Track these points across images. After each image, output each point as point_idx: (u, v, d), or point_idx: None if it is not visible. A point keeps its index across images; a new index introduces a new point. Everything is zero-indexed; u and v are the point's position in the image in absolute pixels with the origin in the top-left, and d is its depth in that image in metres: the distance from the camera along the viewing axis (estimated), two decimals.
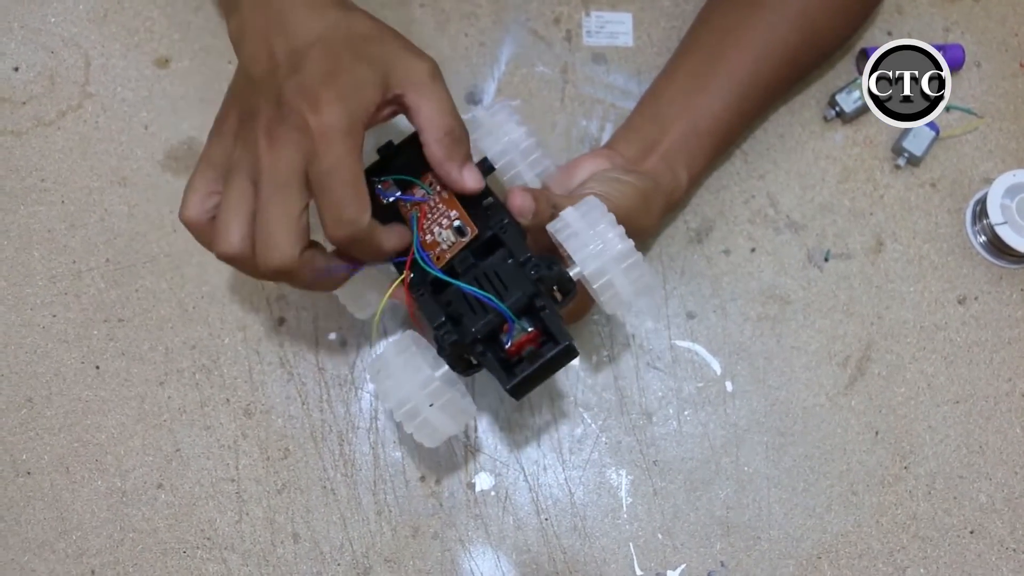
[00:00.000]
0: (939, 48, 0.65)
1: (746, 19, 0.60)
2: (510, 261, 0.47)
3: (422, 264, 0.48)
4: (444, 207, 0.50)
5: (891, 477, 0.60)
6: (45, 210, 0.63)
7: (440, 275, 0.47)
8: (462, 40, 0.68)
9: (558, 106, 0.66)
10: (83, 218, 0.63)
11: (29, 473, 0.59)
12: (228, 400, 0.60)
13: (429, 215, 0.50)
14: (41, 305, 0.62)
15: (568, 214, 0.47)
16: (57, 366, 0.61)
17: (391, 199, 0.51)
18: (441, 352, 0.47)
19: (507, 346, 0.46)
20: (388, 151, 0.54)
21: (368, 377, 0.47)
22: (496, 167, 0.53)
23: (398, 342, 0.48)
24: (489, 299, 0.46)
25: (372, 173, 0.53)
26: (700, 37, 0.63)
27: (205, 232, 0.48)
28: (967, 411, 0.61)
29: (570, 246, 0.46)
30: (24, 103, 0.65)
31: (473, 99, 0.66)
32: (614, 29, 0.68)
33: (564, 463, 0.60)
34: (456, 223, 0.49)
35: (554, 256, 0.48)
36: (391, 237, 0.48)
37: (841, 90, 0.65)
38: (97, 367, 0.61)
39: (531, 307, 0.46)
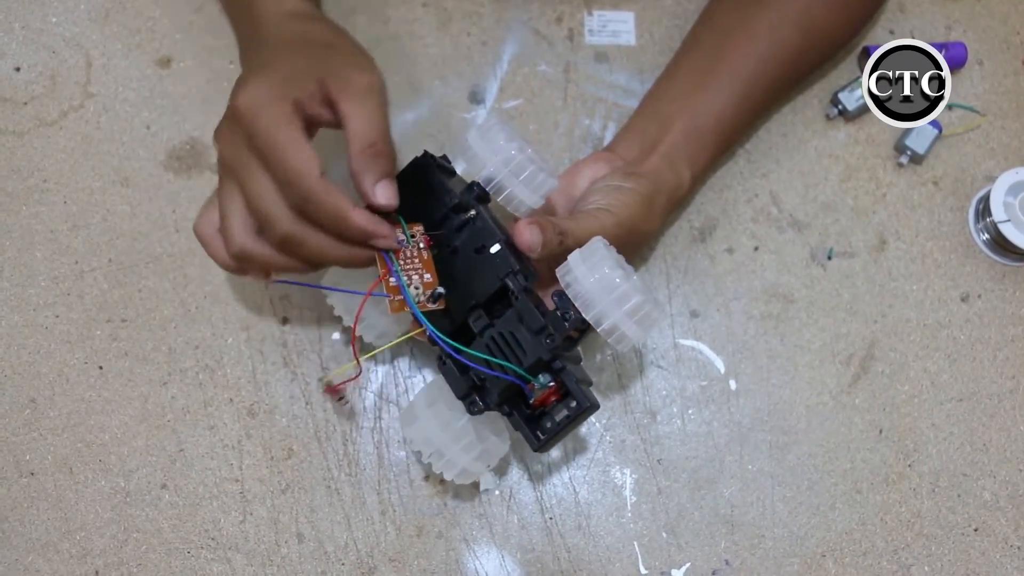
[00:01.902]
0: (941, 46, 0.65)
1: (748, 19, 0.60)
2: (525, 325, 0.48)
3: (438, 342, 0.48)
4: (419, 264, 0.49)
5: (895, 475, 0.60)
6: (47, 210, 0.63)
7: (449, 351, 0.48)
8: (464, 39, 0.68)
9: (560, 105, 0.66)
10: (85, 218, 0.63)
11: (33, 474, 0.59)
12: (232, 400, 0.60)
13: (402, 262, 0.49)
14: (44, 305, 0.62)
15: (572, 259, 0.48)
16: (60, 366, 0.61)
17: None
18: (470, 412, 0.49)
19: (531, 400, 0.49)
20: None
21: (400, 426, 0.51)
22: (488, 192, 0.51)
23: (427, 393, 0.52)
24: (504, 375, 0.48)
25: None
26: (702, 37, 0.63)
27: (214, 243, 0.50)
28: (971, 409, 0.61)
29: (573, 295, 0.47)
30: (26, 103, 0.65)
31: (476, 98, 0.66)
32: (616, 28, 0.68)
33: (568, 462, 0.60)
34: (439, 289, 0.49)
35: (565, 295, 0.48)
36: (343, 199, 0.46)
37: (843, 88, 0.65)
38: (100, 367, 0.61)
39: (548, 366, 0.48)
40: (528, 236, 0.48)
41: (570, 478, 0.60)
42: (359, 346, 0.56)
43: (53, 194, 0.64)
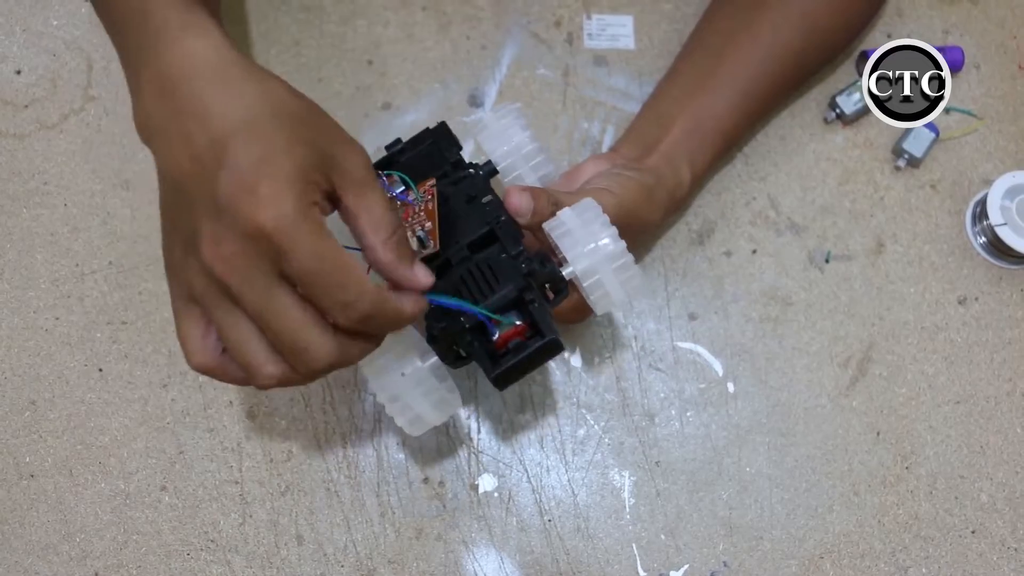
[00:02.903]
0: (938, 50, 0.65)
1: (749, 22, 0.61)
2: (503, 256, 0.48)
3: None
4: (423, 215, 0.50)
5: (892, 477, 0.60)
6: (48, 213, 0.63)
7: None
8: (464, 43, 0.68)
9: (559, 108, 0.66)
10: (86, 221, 0.63)
11: (33, 476, 0.59)
12: (231, 402, 0.60)
13: (410, 219, 0.50)
14: (44, 308, 0.62)
15: (564, 213, 0.48)
16: (60, 369, 0.61)
17: (391, 195, 0.51)
18: (431, 341, 0.47)
19: (494, 338, 0.47)
20: (396, 147, 0.54)
21: (360, 364, 0.47)
22: (499, 169, 0.54)
23: (391, 337, 0.48)
24: (463, 306, 0.45)
25: (378, 167, 0.53)
26: (703, 39, 0.63)
27: (227, 369, 0.43)
28: (968, 411, 0.62)
29: (562, 244, 0.47)
30: (27, 106, 0.65)
31: (475, 102, 0.66)
32: (615, 32, 0.68)
33: (567, 464, 0.60)
34: (420, 234, 0.48)
35: (548, 254, 0.48)
36: (407, 303, 0.42)
37: (841, 92, 0.66)
38: (100, 370, 0.61)
39: (520, 301, 0.47)
40: (518, 200, 0.48)
41: (569, 480, 0.60)
42: None
43: (54, 197, 0.64)
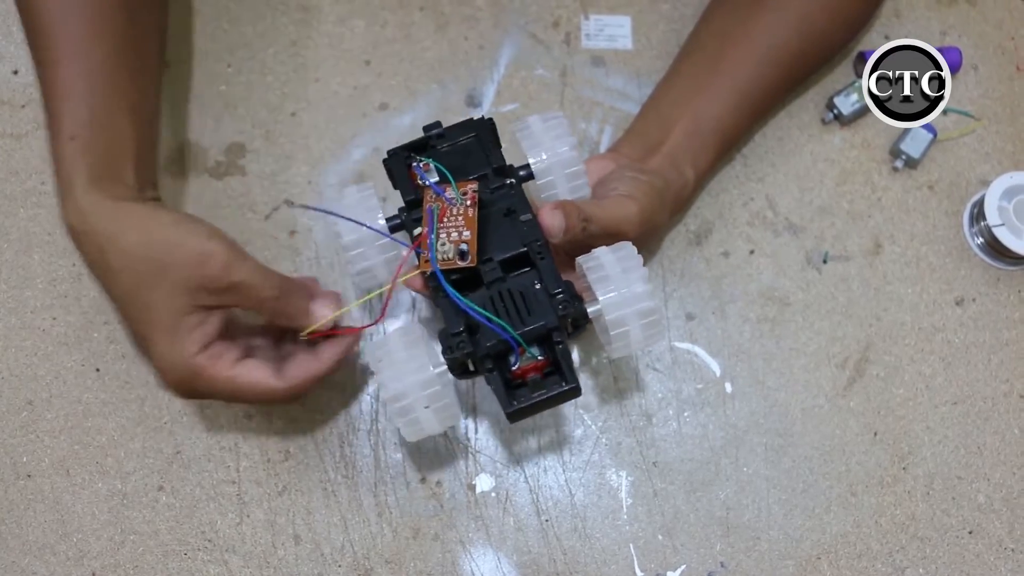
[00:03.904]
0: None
1: (747, 22, 0.61)
2: (538, 285, 0.48)
3: (440, 281, 0.47)
4: (463, 221, 0.48)
5: (890, 478, 0.60)
6: (45, 213, 0.63)
7: (452, 293, 0.46)
8: (462, 43, 0.68)
9: (557, 109, 0.66)
10: None
11: (30, 476, 0.59)
12: (228, 402, 0.60)
13: (447, 219, 0.48)
14: (41, 308, 0.62)
15: (603, 255, 0.47)
16: (57, 369, 0.61)
17: (426, 183, 0.50)
18: (446, 354, 0.47)
19: (514, 368, 0.47)
20: (433, 131, 0.52)
21: (368, 361, 0.48)
22: (535, 173, 0.52)
23: (405, 332, 0.48)
24: (504, 330, 0.46)
25: (413, 149, 0.52)
26: (701, 40, 0.63)
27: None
28: (965, 412, 0.62)
29: (598, 288, 0.47)
30: (23, 106, 0.65)
31: (473, 102, 0.67)
32: (613, 32, 0.68)
33: (564, 464, 0.60)
34: (463, 246, 0.48)
35: (573, 286, 0.48)
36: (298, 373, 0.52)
37: (839, 93, 0.66)
38: (97, 369, 0.61)
39: (547, 338, 0.47)
40: (551, 220, 0.48)
41: (566, 480, 0.60)
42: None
43: (51, 197, 0.64)
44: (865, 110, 0.65)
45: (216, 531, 0.59)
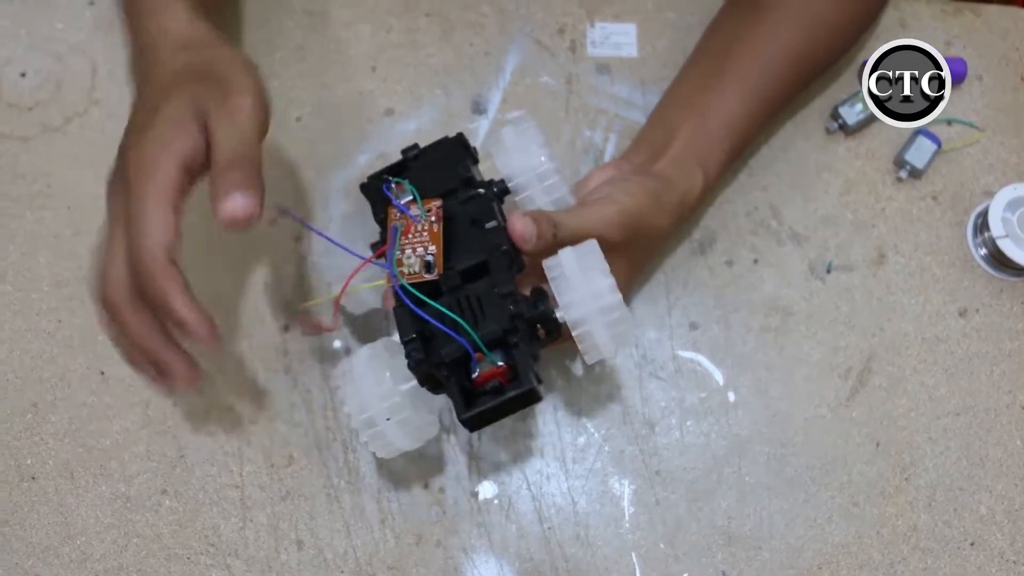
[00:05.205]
0: None
1: (753, 22, 0.61)
2: (496, 290, 0.47)
3: (394, 283, 0.47)
4: (427, 236, 0.49)
5: (892, 488, 0.60)
6: (51, 215, 0.64)
7: (405, 299, 0.46)
8: (467, 50, 0.68)
9: (562, 116, 0.67)
10: (89, 224, 0.63)
11: (34, 478, 0.59)
12: (232, 407, 0.61)
13: (411, 235, 0.49)
14: (47, 310, 0.62)
15: (564, 256, 0.46)
16: (62, 371, 0.61)
17: (396, 205, 0.51)
18: (410, 366, 0.46)
19: (474, 375, 0.46)
20: (410, 153, 0.54)
21: (333, 382, 0.48)
22: (511, 188, 0.53)
23: (371, 349, 0.48)
24: (455, 334, 0.45)
25: (390, 172, 0.53)
26: (708, 45, 0.63)
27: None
28: (968, 423, 0.62)
29: (557, 289, 0.46)
30: (31, 109, 0.66)
31: (478, 109, 0.67)
32: (618, 40, 0.68)
33: (567, 472, 0.60)
34: (428, 258, 0.48)
35: (544, 292, 0.47)
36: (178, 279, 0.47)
37: (843, 103, 0.66)
38: (102, 372, 0.61)
39: (505, 342, 0.46)
40: (521, 227, 0.47)
41: (568, 488, 0.60)
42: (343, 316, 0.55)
43: (57, 199, 0.64)
44: (870, 120, 0.66)
45: (219, 535, 0.59)
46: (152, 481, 0.59)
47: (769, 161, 0.66)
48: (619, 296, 0.46)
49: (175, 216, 0.47)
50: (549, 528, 0.59)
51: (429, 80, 0.67)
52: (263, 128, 0.49)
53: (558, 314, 0.46)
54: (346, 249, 0.50)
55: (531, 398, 0.45)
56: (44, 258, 0.63)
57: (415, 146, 0.54)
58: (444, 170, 0.52)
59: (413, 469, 0.60)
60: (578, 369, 0.62)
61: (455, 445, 0.60)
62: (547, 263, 0.47)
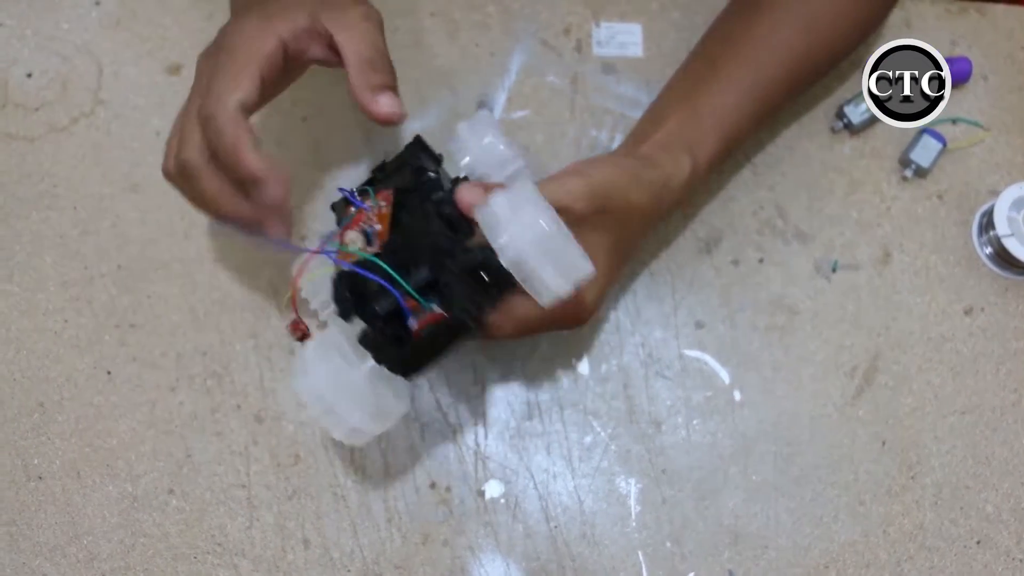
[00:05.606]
0: (946, 61, 0.65)
1: (750, 23, 0.60)
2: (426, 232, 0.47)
3: (325, 254, 0.48)
4: (375, 219, 0.50)
5: (898, 487, 0.60)
6: (57, 216, 0.64)
7: (331, 256, 0.47)
8: (472, 50, 0.68)
9: (568, 116, 0.67)
10: (95, 224, 0.63)
11: (41, 478, 0.60)
12: (239, 406, 0.61)
13: (364, 221, 0.50)
14: (53, 310, 0.62)
15: (494, 199, 0.43)
16: (69, 371, 0.61)
17: (359, 208, 0.52)
18: (363, 342, 0.46)
19: (413, 328, 0.45)
20: (379, 169, 0.56)
21: (290, 379, 0.48)
22: (470, 178, 0.54)
23: (320, 336, 0.48)
24: (385, 280, 0.44)
25: (360, 190, 0.55)
26: (704, 44, 0.63)
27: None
28: (974, 422, 0.62)
29: (491, 234, 0.43)
30: (37, 109, 0.66)
31: (484, 108, 0.67)
32: (624, 40, 0.69)
33: (573, 471, 0.60)
34: (368, 229, 0.49)
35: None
36: (216, 186, 0.48)
37: (849, 102, 0.66)
38: (108, 372, 0.61)
39: (436, 284, 0.45)
40: (467, 194, 0.46)
41: (575, 487, 0.60)
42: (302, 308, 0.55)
43: (63, 200, 0.64)
44: (874, 120, 0.66)
45: (226, 535, 0.59)
46: (159, 481, 0.60)
47: (774, 161, 0.66)
48: (558, 225, 0.42)
49: (258, 80, 0.47)
50: (555, 527, 0.59)
51: (435, 80, 0.67)
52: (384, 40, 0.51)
53: (499, 258, 0.43)
54: (296, 249, 0.52)
55: (460, 330, 0.44)
56: (50, 258, 0.63)
57: (383, 164, 0.56)
58: (403, 171, 0.54)
59: (420, 468, 0.60)
60: (584, 368, 0.62)
61: (461, 444, 0.60)
62: (478, 209, 0.44)
